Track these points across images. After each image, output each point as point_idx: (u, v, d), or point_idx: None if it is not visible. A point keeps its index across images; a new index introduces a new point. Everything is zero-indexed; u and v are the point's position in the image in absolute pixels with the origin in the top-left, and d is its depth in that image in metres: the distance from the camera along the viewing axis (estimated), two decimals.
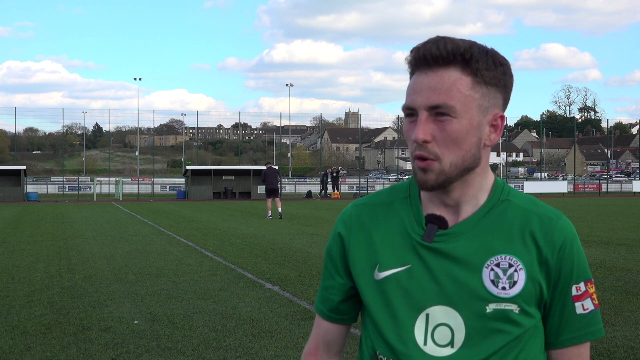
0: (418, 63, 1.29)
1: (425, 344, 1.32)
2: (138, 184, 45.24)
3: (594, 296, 1.38)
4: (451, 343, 1.31)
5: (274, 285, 8.58)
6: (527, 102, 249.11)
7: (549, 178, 73.35)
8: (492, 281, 1.31)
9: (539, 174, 73.72)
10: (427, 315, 1.32)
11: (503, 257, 1.32)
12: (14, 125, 56.15)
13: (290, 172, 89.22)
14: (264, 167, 22.24)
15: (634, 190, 47.40)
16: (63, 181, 47.40)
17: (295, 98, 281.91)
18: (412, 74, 1.33)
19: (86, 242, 13.97)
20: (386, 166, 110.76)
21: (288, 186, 48.54)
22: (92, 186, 42.63)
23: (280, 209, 20.95)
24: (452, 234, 1.34)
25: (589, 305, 1.36)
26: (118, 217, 22.17)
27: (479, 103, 1.29)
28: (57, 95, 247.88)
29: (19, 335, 6.13)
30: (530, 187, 45.88)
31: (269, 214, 21.01)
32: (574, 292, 1.35)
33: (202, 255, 11.81)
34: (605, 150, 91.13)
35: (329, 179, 40.98)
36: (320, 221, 19.84)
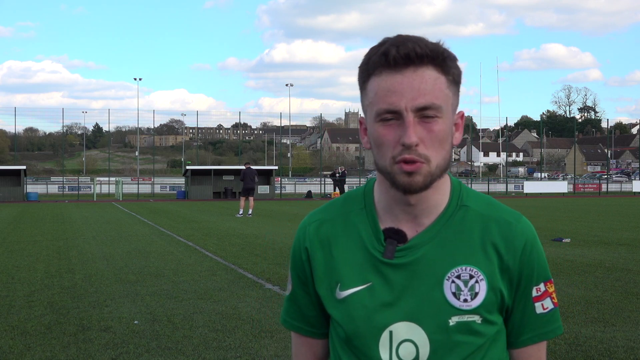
0: (397, 62, 1.23)
1: None
2: (138, 184, 45.24)
3: (554, 295, 1.38)
4: (416, 358, 1.29)
5: (274, 285, 8.58)
6: (527, 102, 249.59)
7: (549, 178, 73.37)
8: (454, 294, 1.29)
9: (539, 174, 73.67)
10: (391, 333, 1.30)
11: (463, 268, 1.30)
12: (14, 125, 56.13)
13: (290, 172, 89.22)
14: (243, 167, 23.46)
15: (634, 190, 47.37)
16: (63, 181, 47.40)
17: (295, 98, 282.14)
18: (368, 75, 1.27)
19: (86, 242, 13.97)
20: None
21: (288, 186, 48.52)
22: (92, 186, 42.64)
23: (251, 209, 21.93)
24: (412, 247, 1.32)
25: (548, 304, 1.36)
26: (118, 217, 22.16)
27: (452, 102, 1.27)
28: (57, 95, 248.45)
29: (19, 335, 6.12)
30: (530, 187, 45.89)
31: (240, 212, 21.95)
32: (534, 293, 1.35)
33: (202, 255, 11.81)
34: (605, 150, 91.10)
35: (336, 179, 40.58)
36: None
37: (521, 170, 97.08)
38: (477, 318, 1.29)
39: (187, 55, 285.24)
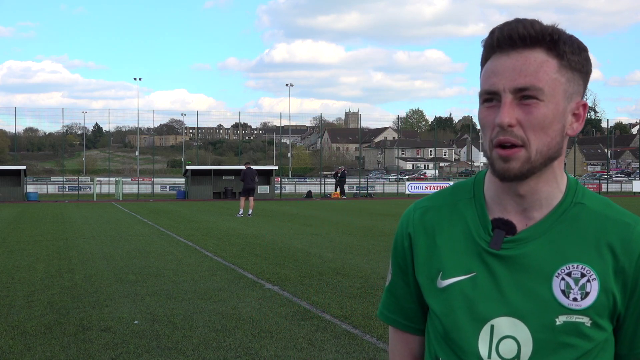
0: (500, 43, 1.21)
1: (489, 357, 1.24)
2: (138, 184, 45.20)
3: None
4: (517, 357, 1.23)
5: (274, 285, 8.58)
6: None
7: None
8: (563, 291, 1.23)
9: None
10: (492, 327, 1.24)
11: (575, 265, 1.23)
12: (14, 125, 56.13)
13: (290, 172, 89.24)
14: (243, 167, 23.56)
15: (634, 190, 47.36)
16: (63, 181, 47.32)
17: (295, 98, 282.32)
18: (486, 58, 1.25)
19: (86, 242, 13.97)
20: (386, 166, 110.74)
21: (288, 186, 48.51)
22: (92, 186, 42.61)
23: (251, 209, 21.96)
24: (521, 239, 1.26)
25: None
26: (118, 217, 22.16)
27: (564, 88, 1.22)
28: (57, 95, 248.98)
29: (19, 335, 6.13)
30: None
31: (240, 212, 22.02)
32: None
33: (202, 255, 11.81)
34: (605, 150, 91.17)
35: (337, 179, 40.56)
36: (320, 221, 19.83)
37: None
38: (586, 320, 1.22)
39: (187, 55, 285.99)
